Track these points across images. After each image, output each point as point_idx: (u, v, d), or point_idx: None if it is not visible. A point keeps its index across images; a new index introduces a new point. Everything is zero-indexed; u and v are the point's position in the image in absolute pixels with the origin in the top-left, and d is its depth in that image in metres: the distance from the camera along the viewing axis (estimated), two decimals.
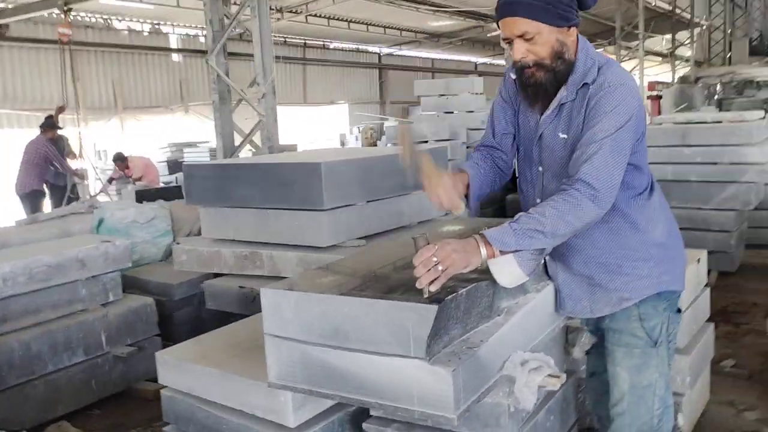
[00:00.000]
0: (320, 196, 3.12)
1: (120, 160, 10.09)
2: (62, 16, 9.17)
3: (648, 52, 20.29)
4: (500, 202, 7.67)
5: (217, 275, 3.82)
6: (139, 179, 9.88)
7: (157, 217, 5.14)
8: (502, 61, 24.69)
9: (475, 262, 1.67)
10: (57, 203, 9.05)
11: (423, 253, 1.61)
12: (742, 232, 6.21)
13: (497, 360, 1.72)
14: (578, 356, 2.20)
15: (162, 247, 5.12)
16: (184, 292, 4.55)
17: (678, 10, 21.00)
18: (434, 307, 1.50)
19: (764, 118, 6.32)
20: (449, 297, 1.56)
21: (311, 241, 3.26)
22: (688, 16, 21.91)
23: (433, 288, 1.58)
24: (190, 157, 12.12)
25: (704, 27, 24.99)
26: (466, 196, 2.02)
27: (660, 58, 23.36)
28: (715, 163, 5.80)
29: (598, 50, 1.98)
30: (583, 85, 1.86)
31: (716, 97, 21.36)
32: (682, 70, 22.23)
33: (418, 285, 1.59)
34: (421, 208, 3.85)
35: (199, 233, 5.20)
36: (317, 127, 19.06)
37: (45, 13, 10.78)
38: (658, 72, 25.45)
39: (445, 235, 2.13)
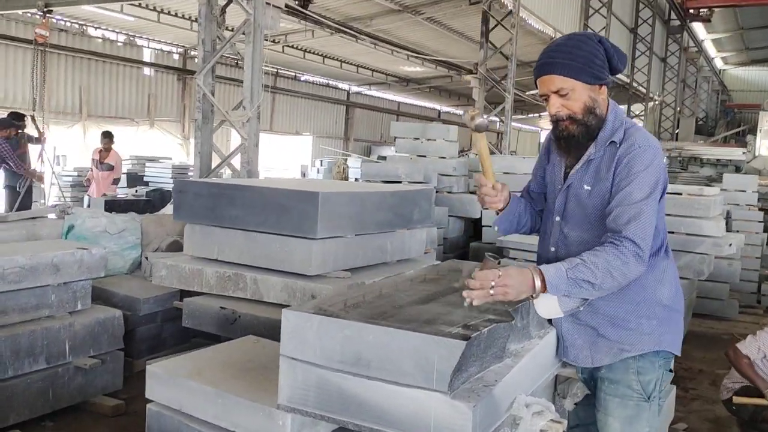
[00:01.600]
0: (314, 225, 3.16)
1: (109, 137, 9.93)
2: (38, 16, 9.03)
3: None
4: (463, 248, 7.81)
5: (192, 294, 3.78)
6: (111, 169, 9.78)
7: (127, 229, 5.06)
8: (463, 112, 25.30)
9: (524, 297, 1.84)
10: (10, 205, 8.75)
11: (487, 275, 1.77)
12: (691, 300, 6.49)
13: (506, 400, 1.78)
14: (568, 407, 2.27)
15: (129, 259, 5.02)
16: (150, 308, 4.47)
17: (635, 84, 22.06)
18: (462, 343, 1.56)
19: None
20: (475, 335, 1.61)
21: (299, 269, 3.27)
22: (644, 91, 23.04)
23: (475, 303, 1.77)
24: (151, 172, 11.94)
25: (657, 102, 26.29)
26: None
27: None
28: (672, 232, 6.08)
29: None
30: (610, 143, 2.01)
31: None
32: None
33: (465, 293, 1.77)
34: (403, 247, 3.92)
35: (167, 249, 5.15)
36: (280, 156, 19.05)
37: (20, 11, 10.60)
38: None
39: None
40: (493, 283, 1.75)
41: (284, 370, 1.79)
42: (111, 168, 9.78)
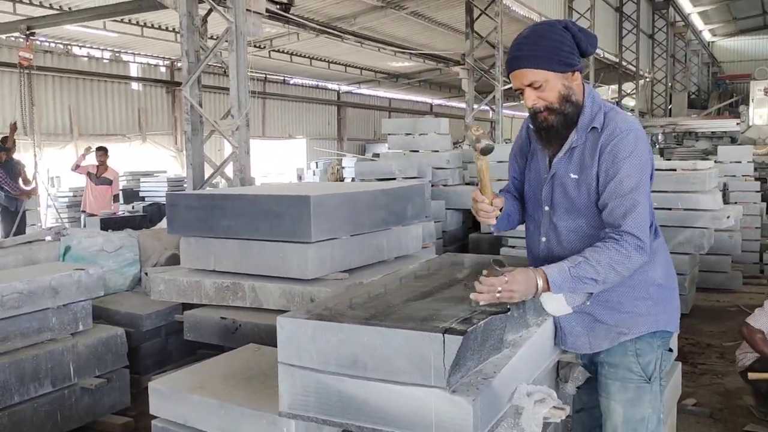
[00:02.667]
0: (308, 229, 3.16)
1: (104, 150, 9.79)
2: (22, 39, 9.02)
3: None
4: (463, 239, 7.82)
5: (193, 306, 3.78)
6: (109, 183, 9.65)
7: (124, 246, 5.05)
8: (455, 103, 25.34)
9: (530, 296, 1.88)
10: (8, 228, 8.76)
11: (493, 281, 1.81)
12: (694, 275, 6.50)
13: (507, 391, 1.77)
14: (571, 391, 2.27)
15: (129, 276, 5.02)
16: (153, 323, 4.47)
17: (624, 63, 22.03)
18: (458, 338, 1.55)
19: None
20: (470, 328, 1.61)
21: (296, 273, 3.27)
22: (634, 69, 23.01)
23: (482, 302, 1.80)
24: (146, 186, 11.96)
25: (647, 80, 26.26)
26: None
27: None
28: (669, 209, 6.08)
29: None
30: (591, 129, 2.00)
31: (658, 146, 22.45)
32: None
33: (472, 296, 1.81)
34: (399, 244, 3.92)
35: (166, 263, 5.15)
36: (275, 161, 19.06)
37: (3, 36, 10.58)
38: None
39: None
40: (500, 289, 1.79)
41: (283, 377, 1.79)
42: (109, 182, 9.65)
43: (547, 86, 1.95)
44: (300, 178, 17.50)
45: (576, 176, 2.02)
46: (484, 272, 1.86)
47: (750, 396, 4.09)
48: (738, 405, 4.19)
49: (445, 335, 1.57)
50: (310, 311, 1.83)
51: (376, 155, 12.76)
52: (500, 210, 2.10)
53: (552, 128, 2.01)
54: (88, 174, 9.66)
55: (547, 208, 2.11)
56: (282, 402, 1.80)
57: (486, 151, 1.96)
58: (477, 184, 2.11)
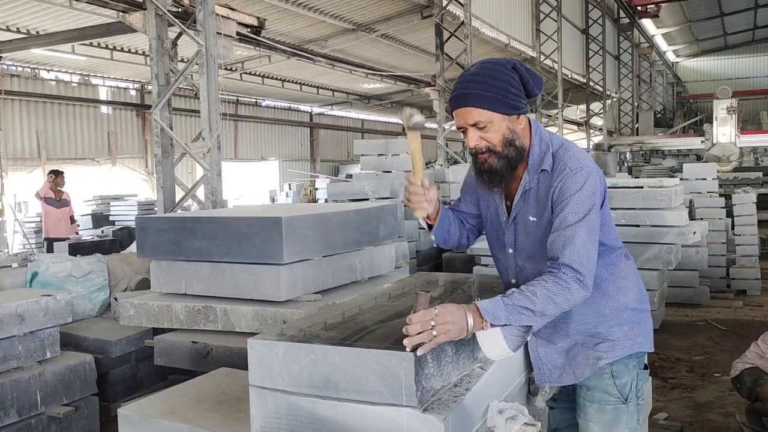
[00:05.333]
0: (280, 251, 3.14)
1: (60, 174, 9.71)
2: None
3: (565, 121, 21.53)
4: (437, 259, 7.84)
5: (164, 331, 3.73)
6: (68, 205, 9.59)
7: (93, 271, 4.97)
8: (428, 124, 25.54)
9: (463, 333, 1.73)
10: None
11: (424, 315, 1.65)
12: (663, 290, 6.60)
13: (479, 408, 1.78)
14: (540, 405, 2.28)
15: (98, 302, 4.94)
16: (122, 350, 4.40)
17: (591, 83, 22.49)
18: (426, 356, 1.56)
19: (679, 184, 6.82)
20: (440, 345, 1.62)
21: (268, 296, 3.25)
22: (601, 89, 23.49)
23: (420, 352, 1.60)
24: (116, 210, 11.81)
25: (614, 99, 26.82)
26: (429, 226, 2.15)
27: (576, 126, 24.82)
28: (637, 226, 6.19)
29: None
30: (541, 171, 1.98)
31: (627, 164, 22.87)
32: (596, 138, 23.65)
33: (406, 342, 1.60)
34: (372, 264, 3.92)
35: (136, 288, 5.08)
36: (248, 183, 18.97)
37: None
38: (575, 139, 26.95)
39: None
40: (432, 323, 1.64)
41: (254, 399, 1.77)
42: (68, 204, 9.58)
43: (492, 127, 1.90)
44: (273, 200, 17.43)
45: (535, 219, 2.00)
46: (414, 305, 1.72)
47: (742, 414, 4.14)
48: (708, 419, 4.25)
49: (413, 354, 1.57)
50: (281, 333, 1.83)
51: (349, 176, 12.77)
52: (434, 206, 2.04)
53: (494, 172, 1.96)
54: (46, 199, 9.54)
55: (511, 251, 2.09)
56: (254, 425, 1.79)
57: (417, 126, 1.93)
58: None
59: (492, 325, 1.80)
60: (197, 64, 5.62)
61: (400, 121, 1.99)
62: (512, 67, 1.94)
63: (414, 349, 1.60)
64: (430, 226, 2.16)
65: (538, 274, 1.95)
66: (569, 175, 1.91)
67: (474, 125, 1.92)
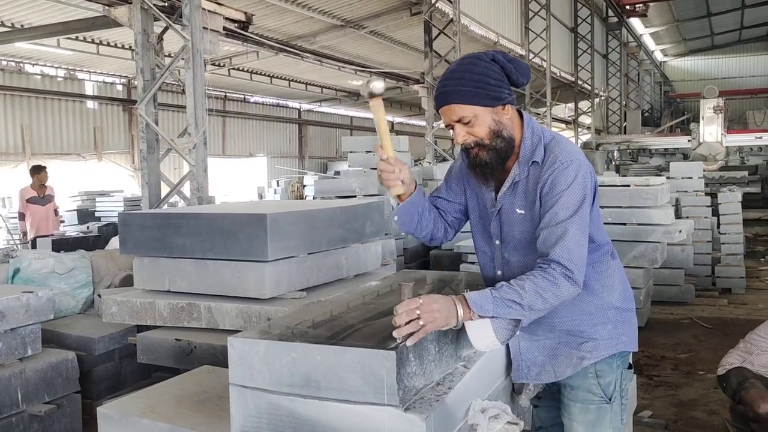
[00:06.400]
0: (265, 247, 3.12)
1: (38, 171, 9.43)
2: None
3: (554, 119, 21.59)
4: (424, 256, 7.84)
5: (146, 328, 3.69)
6: (52, 200, 9.42)
7: (76, 267, 4.92)
8: (416, 121, 25.56)
9: (452, 323, 1.75)
10: None
11: (409, 304, 1.66)
12: (649, 288, 6.63)
13: (462, 407, 1.77)
14: (524, 404, 2.27)
15: (81, 299, 4.89)
16: (105, 347, 4.35)
17: (580, 81, 22.57)
18: (409, 355, 1.55)
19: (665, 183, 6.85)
20: (422, 343, 1.61)
21: (253, 293, 3.22)
22: (589, 88, 23.58)
23: (410, 342, 1.62)
24: (102, 206, 11.71)
25: (602, 98, 26.94)
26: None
27: (564, 125, 24.90)
28: (624, 224, 6.22)
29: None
30: (532, 163, 1.97)
31: (614, 162, 22.99)
32: (584, 136, 23.75)
33: (395, 333, 1.62)
34: (358, 261, 3.90)
35: (120, 285, 5.03)
36: (235, 180, 18.88)
37: None
38: None
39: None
40: (418, 312, 1.65)
41: (235, 398, 1.75)
42: (52, 199, 9.41)
43: (476, 121, 1.91)
44: (261, 196, 17.37)
45: (522, 212, 1.99)
46: (398, 303, 1.71)
47: (727, 411, 4.16)
48: (693, 416, 4.27)
49: (396, 352, 1.56)
50: (262, 331, 1.81)
51: (338, 173, 12.74)
52: (407, 186, 2.01)
53: (486, 165, 1.96)
54: (29, 200, 9.34)
55: (498, 242, 2.08)
56: (234, 424, 1.77)
57: (376, 91, 1.88)
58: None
59: (481, 317, 1.80)
60: (183, 59, 5.57)
61: (362, 95, 1.92)
62: (491, 59, 1.93)
63: (404, 340, 1.61)
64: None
65: (524, 267, 1.96)
66: (560, 168, 1.90)
67: (459, 121, 1.92)
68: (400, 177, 1.99)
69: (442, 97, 1.93)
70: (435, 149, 11.93)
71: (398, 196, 2.06)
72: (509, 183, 2.01)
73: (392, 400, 1.57)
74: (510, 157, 1.99)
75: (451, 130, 1.97)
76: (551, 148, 1.96)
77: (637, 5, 25.89)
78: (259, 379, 1.71)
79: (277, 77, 17.12)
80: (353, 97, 21.00)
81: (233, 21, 6.45)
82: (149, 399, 2.30)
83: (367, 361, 1.60)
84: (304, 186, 16.50)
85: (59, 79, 14.06)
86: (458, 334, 1.86)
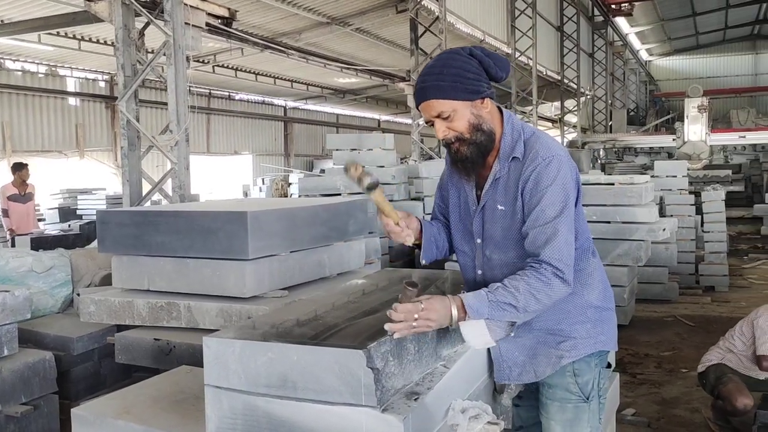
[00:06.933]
0: (245, 246, 3.08)
1: (20, 168, 9.28)
2: None
3: (540, 117, 21.65)
4: (409, 255, 7.80)
5: (125, 327, 3.64)
6: (32, 197, 9.32)
7: (55, 266, 4.84)
8: (402, 119, 25.54)
9: (446, 324, 1.78)
10: None
11: (409, 308, 1.70)
12: (633, 286, 6.65)
13: (441, 407, 1.75)
14: (506, 403, 2.25)
15: (60, 298, 4.81)
16: (84, 347, 4.28)
17: (566, 80, 22.65)
18: (387, 355, 1.52)
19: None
20: (400, 343, 1.58)
21: (233, 292, 3.18)
22: (575, 86, 23.67)
23: (396, 336, 1.66)
24: (84, 204, 11.57)
25: (588, 97, 27.06)
26: (418, 246, 2.11)
27: (550, 123, 24.98)
28: (608, 222, 6.23)
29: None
30: (513, 158, 1.96)
31: (600, 161, 23.10)
32: (570, 135, 23.84)
33: (387, 327, 1.66)
34: (341, 260, 3.87)
35: (100, 284, 4.96)
36: (220, 178, 18.76)
37: None
38: None
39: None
40: (416, 316, 1.69)
41: (210, 399, 1.72)
42: (32, 197, 9.30)
43: (456, 116, 1.90)
44: (246, 194, 17.26)
45: (503, 208, 1.98)
46: (400, 296, 1.76)
47: (708, 409, 4.17)
48: (675, 414, 4.28)
49: (372, 352, 1.53)
50: (238, 331, 1.77)
51: (323, 171, 12.68)
52: (416, 232, 2.03)
53: (467, 159, 1.95)
54: (10, 197, 9.19)
55: (479, 240, 2.06)
56: (209, 425, 1.73)
57: (372, 187, 1.90)
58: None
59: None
60: (165, 54, 5.50)
61: (352, 182, 1.93)
62: (469, 54, 1.93)
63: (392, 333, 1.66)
64: (419, 246, 2.15)
65: (504, 264, 1.97)
66: (542, 165, 1.89)
67: (438, 116, 1.91)
68: (409, 231, 2.01)
69: (421, 93, 1.93)
70: (421, 147, 11.91)
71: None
72: (491, 179, 2.00)
73: (370, 400, 1.54)
74: (491, 152, 1.98)
75: (432, 127, 1.96)
76: (531, 144, 1.95)
77: (622, 4, 26.02)
78: (235, 380, 1.68)
79: (262, 74, 17.02)
80: (339, 94, 20.94)
81: (216, 17, 6.38)
82: (125, 400, 2.25)
83: (344, 361, 1.57)
84: (290, 184, 16.41)
85: (40, 75, 13.88)
86: (438, 333, 1.84)
